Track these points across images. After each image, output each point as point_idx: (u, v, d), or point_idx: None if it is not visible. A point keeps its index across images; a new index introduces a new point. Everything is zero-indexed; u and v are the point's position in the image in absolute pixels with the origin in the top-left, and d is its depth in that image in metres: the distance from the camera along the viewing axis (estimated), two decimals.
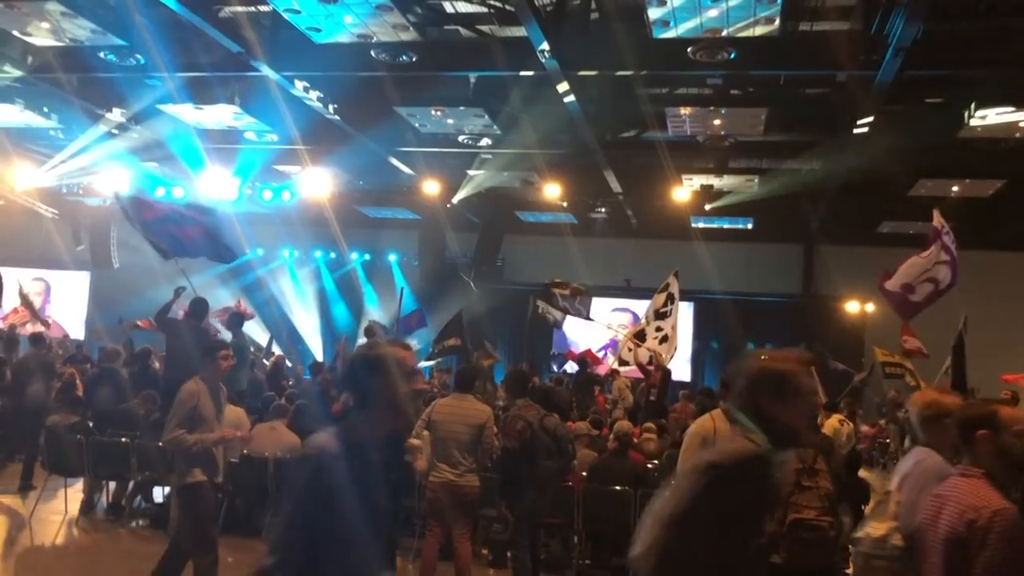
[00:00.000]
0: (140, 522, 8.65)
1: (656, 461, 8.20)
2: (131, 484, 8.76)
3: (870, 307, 17.71)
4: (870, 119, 10.33)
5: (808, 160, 13.15)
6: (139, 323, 14.89)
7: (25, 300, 15.24)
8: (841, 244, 17.67)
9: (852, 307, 18.26)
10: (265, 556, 2.51)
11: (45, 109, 13.38)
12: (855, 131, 10.76)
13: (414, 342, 18.94)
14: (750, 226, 18.20)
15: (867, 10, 8.62)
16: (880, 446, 14.71)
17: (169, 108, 12.36)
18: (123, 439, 8.43)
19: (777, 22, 8.28)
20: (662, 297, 12.17)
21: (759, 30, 8.45)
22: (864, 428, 14.44)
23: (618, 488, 7.32)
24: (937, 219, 9.79)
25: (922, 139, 11.08)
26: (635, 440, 8.45)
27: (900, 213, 16.01)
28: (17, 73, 11.19)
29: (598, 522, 7.49)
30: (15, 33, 10.05)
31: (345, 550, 2.55)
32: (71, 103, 12.68)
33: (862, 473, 8.64)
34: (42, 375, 10.14)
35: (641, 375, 11.96)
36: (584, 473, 7.69)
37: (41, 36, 10.01)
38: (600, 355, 16.99)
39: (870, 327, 17.64)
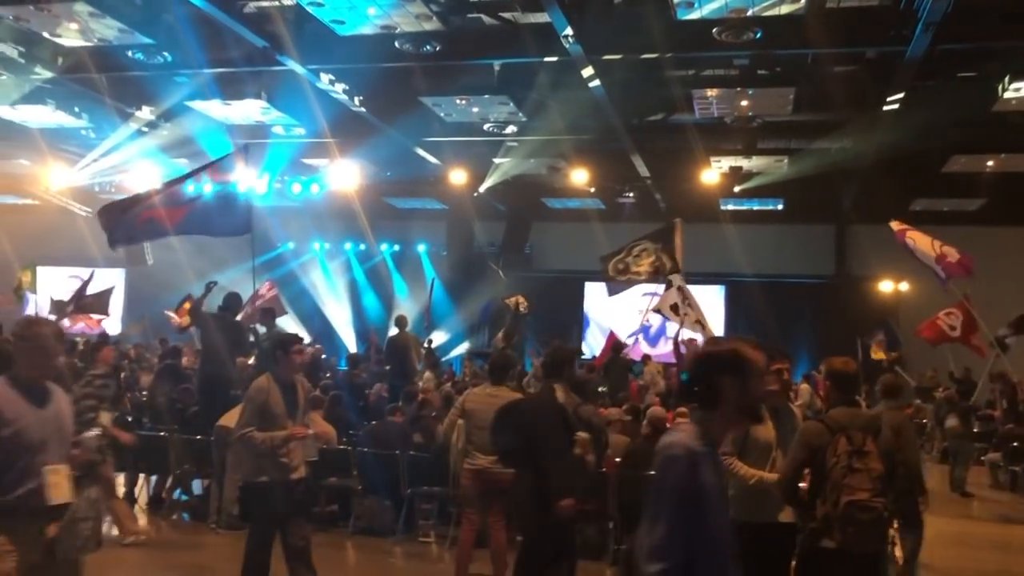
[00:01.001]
0: (180, 514, 8.79)
1: None
2: (170, 477, 8.90)
3: (904, 286, 17.49)
4: (901, 95, 10.18)
5: (838, 139, 13.00)
6: (171, 316, 15.14)
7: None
8: (873, 223, 17.42)
9: (886, 287, 18.03)
10: (646, 564, 2.43)
11: (76, 109, 13.57)
12: (886, 108, 10.62)
13: (442, 332, 19.08)
14: (780, 207, 18.04)
15: None
16: (917, 427, 14.54)
17: (197, 104, 12.49)
18: (162, 432, 8.57)
19: (803, 0, 8.18)
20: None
21: (785, 9, 8.36)
22: None
23: (652, 473, 7.29)
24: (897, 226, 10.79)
25: (955, 114, 10.91)
26: (668, 425, 8.44)
27: (934, 190, 15.78)
28: (48, 74, 11.37)
29: (633, 508, 7.47)
30: (45, 35, 10.20)
31: (718, 549, 2.49)
32: (101, 102, 12.83)
33: None
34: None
35: (674, 359, 11.90)
36: (618, 459, 7.69)
37: (70, 37, 10.14)
38: (630, 341, 16.95)
39: (904, 306, 17.42)
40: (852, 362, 4.37)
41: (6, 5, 9.54)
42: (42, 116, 13.73)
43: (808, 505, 3.95)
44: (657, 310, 12.03)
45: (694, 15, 8.57)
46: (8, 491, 3.39)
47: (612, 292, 13.43)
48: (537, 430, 5.36)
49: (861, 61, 10.99)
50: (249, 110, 12.70)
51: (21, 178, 18.52)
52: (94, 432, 3.91)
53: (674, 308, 12.22)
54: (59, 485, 3.50)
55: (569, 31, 8.55)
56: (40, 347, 3.58)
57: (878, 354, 14.29)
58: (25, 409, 3.47)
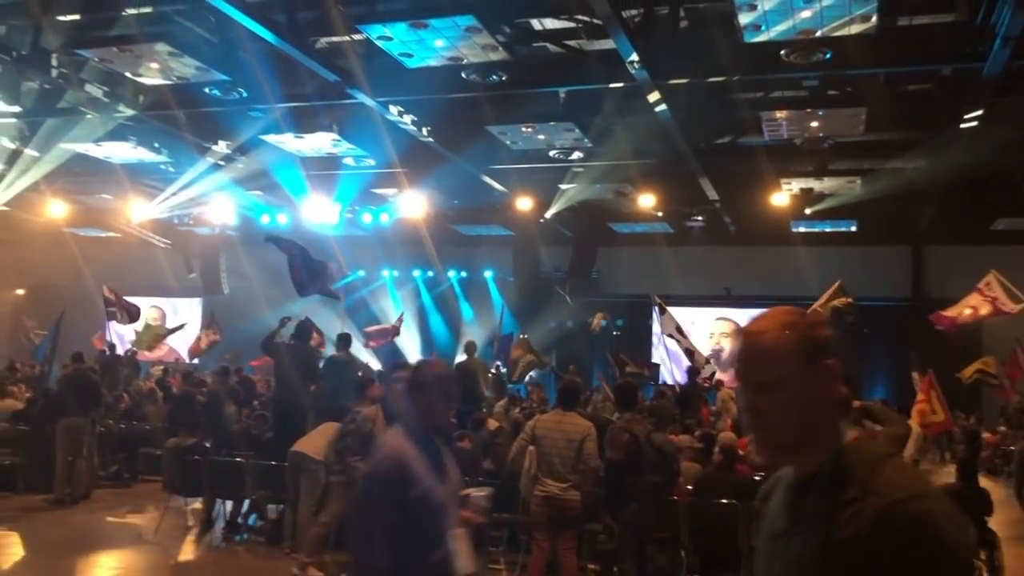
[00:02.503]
0: (256, 538, 8.94)
1: (763, 473, 8.01)
2: (246, 502, 9.07)
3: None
4: (979, 112, 9.90)
5: (913, 158, 12.67)
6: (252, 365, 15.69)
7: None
8: (952, 244, 16.95)
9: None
10: None
11: (156, 144, 14.05)
12: (963, 125, 10.33)
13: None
14: (854, 229, 17.64)
15: (971, 0, 8.29)
16: (1003, 454, 14.00)
17: (271, 138, 12.82)
18: (238, 459, 8.76)
19: (874, 19, 8.03)
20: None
21: (855, 28, 8.21)
22: (985, 435, 13.79)
23: (724, 501, 7.18)
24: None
25: None
26: (741, 452, 8.28)
27: (1016, 209, 15.25)
28: (130, 112, 11.81)
29: (704, 536, 7.36)
30: (127, 75, 10.61)
31: None
32: (180, 138, 13.27)
33: (984, 482, 8.25)
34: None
35: None
36: (689, 486, 7.58)
37: (151, 76, 10.53)
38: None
39: (987, 328, 16.83)
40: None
41: (92, 48, 9.99)
42: (124, 152, 14.25)
43: None
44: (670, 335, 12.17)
45: (761, 37, 8.48)
46: (419, 562, 3.01)
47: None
48: None
49: (936, 79, 10.73)
50: (321, 142, 12.99)
51: (104, 211, 19.27)
52: (485, 490, 3.42)
53: (678, 330, 12.30)
54: (464, 553, 3.13)
55: (635, 57, 8.55)
56: (441, 392, 3.27)
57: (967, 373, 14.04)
58: (427, 465, 3.11)
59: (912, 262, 18.56)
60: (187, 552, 8.48)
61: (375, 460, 3.18)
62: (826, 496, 1.58)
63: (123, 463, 11.75)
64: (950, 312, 12.54)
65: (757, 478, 7.87)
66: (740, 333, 1.76)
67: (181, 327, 18.11)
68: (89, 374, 11.36)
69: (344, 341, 10.91)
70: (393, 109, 11.01)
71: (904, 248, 18.41)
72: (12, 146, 14.10)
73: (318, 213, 16.16)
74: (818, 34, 8.32)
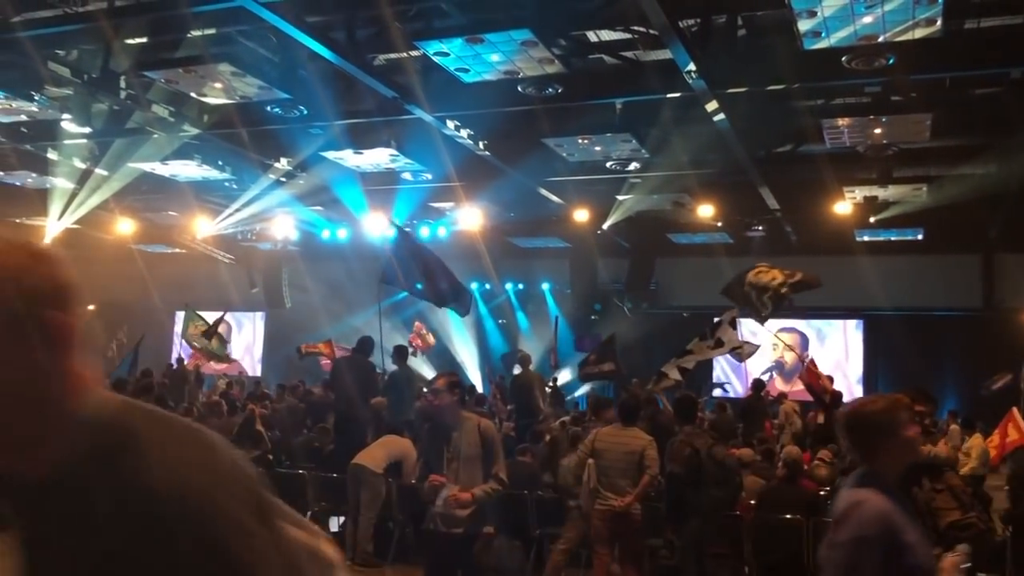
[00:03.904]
0: None
1: (829, 488, 7.84)
2: (307, 514, 9.18)
3: None
4: None
5: (982, 164, 12.33)
6: (321, 349, 15.85)
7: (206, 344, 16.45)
8: None
9: None
10: None
11: (220, 162, 14.39)
12: None
13: (567, 371, 19.02)
14: (920, 237, 17.20)
15: None
16: None
17: (331, 154, 13.02)
18: (300, 471, 8.87)
19: (939, 23, 7.84)
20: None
21: (919, 32, 8.02)
22: None
23: (788, 517, 7.04)
24: None
25: None
26: (805, 466, 8.11)
27: None
28: (195, 131, 12.12)
29: (768, 552, 7.22)
30: (192, 95, 10.90)
31: None
32: (243, 155, 13.56)
33: None
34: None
35: (811, 398, 11.50)
36: (752, 502, 7.45)
37: (214, 95, 10.79)
38: (765, 378, 16.48)
39: None
40: None
41: (158, 69, 10.29)
42: (189, 170, 14.62)
43: None
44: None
45: (822, 44, 8.34)
46: None
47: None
48: None
49: (1005, 82, 10.43)
50: (379, 158, 13.15)
51: (170, 228, 19.79)
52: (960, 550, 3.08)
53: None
54: None
55: (692, 67, 8.48)
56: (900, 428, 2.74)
57: None
58: (911, 524, 2.65)
59: (982, 270, 18.00)
60: None
61: (859, 523, 2.69)
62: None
63: None
64: None
65: (822, 493, 7.71)
66: None
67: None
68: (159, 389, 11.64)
69: (401, 354, 10.99)
70: (450, 124, 11.09)
71: (974, 257, 17.87)
72: (83, 166, 14.57)
73: (377, 228, 16.36)
74: (880, 39, 8.15)
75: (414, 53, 9.52)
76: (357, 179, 14.43)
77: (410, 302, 20.30)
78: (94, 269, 22.05)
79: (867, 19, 7.77)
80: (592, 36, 9.86)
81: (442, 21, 9.10)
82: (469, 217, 15.94)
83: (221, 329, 16.83)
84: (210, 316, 16.64)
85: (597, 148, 12.36)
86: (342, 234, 17.63)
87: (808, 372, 11.02)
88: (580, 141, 12.02)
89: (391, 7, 8.45)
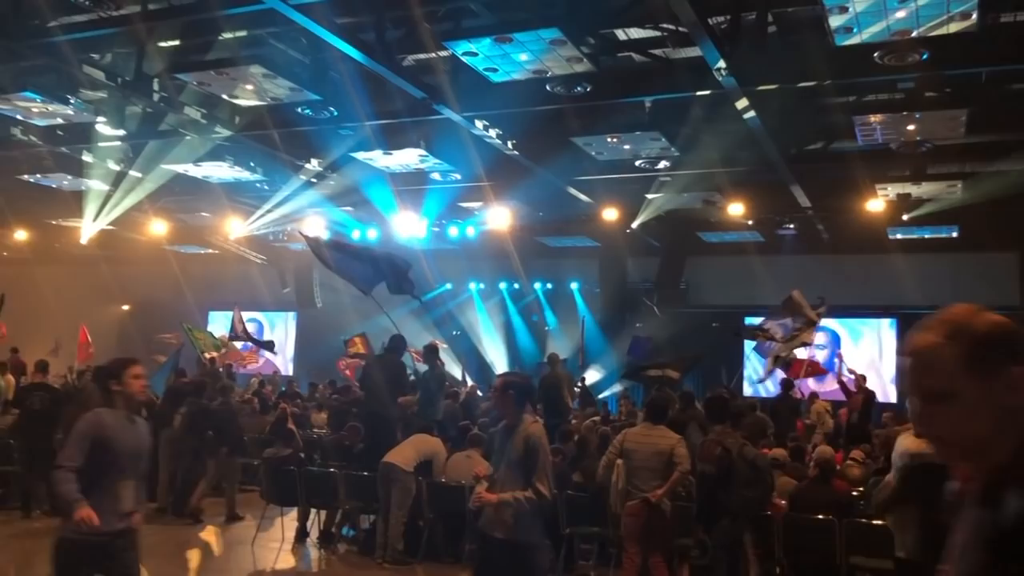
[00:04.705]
0: (349, 548, 9.09)
1: (861, 488, 7.76)
2: (339, 512, 9.24)
3: None
4: None
5: (1018, 160, 12.12)
6: (359, 348, 16.00)
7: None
8: None
9: None
10: None
11: (251, 164, 14.53)
12: None
13: (597, 370, 18.99)
14: (955, 234, 16.95)
15: None
16: None
17: (361, 155, 13.10)
18: (331, 469, 8.93)
19: (974, 17, 7.72)
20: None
21: (953, 27, 7.90)
22: None
23: (820, 517, 6.97)
24: None
25: None
26: (837, 466, 8.03)
27: None
28: (227, 133, 12.26)
29: (800, 552, 7.16)
30: (224, 97, 11.01)
31: None
32: (274, 157, 13.69)
33: None
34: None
35: (843, 396, 11.40)
36: (783, 502, 7.38)
37: (246, 97, 10.90)
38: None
39: None
40: None
41: (191, 72, 10.42)
42: (221, 171, 14.78)
43: None
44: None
45: (853, 40, 8.25)
46: None
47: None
48: None
49: None
50: (408, 158, 13.21)
51: (202, 229, 20.03)
52: None
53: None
54: None
55: (722, 64, 8.42)
56: None
57: None
58: None
59: (1019, 269, 17.70)
60: (283, 561, 8.68)
61: None
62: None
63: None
64: None
65: (855, 493, 7.63)
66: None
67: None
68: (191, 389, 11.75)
69: (432, 353, 11.04)
70: (479, 123, 11.12)
71: (1010, 254, 17.58)
72: (117, 168, 14.79)
73: (407, 227, 16.43)
74: (914, 34, 8.04)
75: (443, 53, 9.56)
76: (387, 179, 14.51)
77: (439, 302, 20.43)
78: (129, 270, 22.46)
79: (900, 14, 7.67)
80: (621, 34, 9.83)
81: (471, 21, 9.13)
82: (498, 217, 15.96)
83: (252, 329, 17.01)
84: (215, 327, 16.91)
85: (626, 147, 12.31)
86: (372, 234, 17.73)
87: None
88: (609, 140, 11.98)
89: (420, 8, 8.50)
